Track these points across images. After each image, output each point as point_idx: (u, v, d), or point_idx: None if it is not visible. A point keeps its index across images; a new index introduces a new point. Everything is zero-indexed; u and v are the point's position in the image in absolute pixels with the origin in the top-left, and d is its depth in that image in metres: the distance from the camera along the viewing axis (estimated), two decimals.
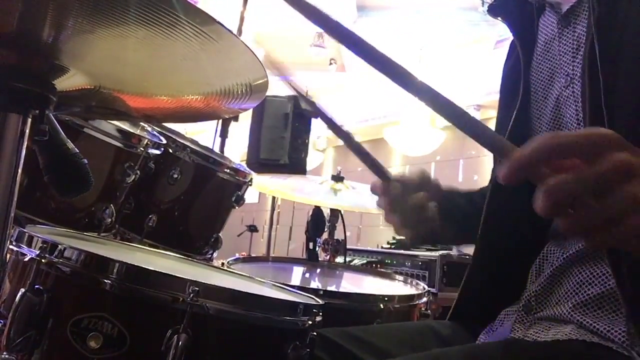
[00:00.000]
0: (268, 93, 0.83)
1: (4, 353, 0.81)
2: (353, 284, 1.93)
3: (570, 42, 0.96)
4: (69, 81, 0.76)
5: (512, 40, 1.08)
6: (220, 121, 3.05)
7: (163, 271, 0.88)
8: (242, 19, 3.38)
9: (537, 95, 1.01)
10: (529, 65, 1.03)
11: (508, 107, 1.04)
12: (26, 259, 0.88)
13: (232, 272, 1.31)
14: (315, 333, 0.94)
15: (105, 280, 0.83)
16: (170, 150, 1.66)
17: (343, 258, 2.41)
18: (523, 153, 0.55)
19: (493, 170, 1.10)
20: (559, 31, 0.98)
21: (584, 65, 0.87)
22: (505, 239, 1.00)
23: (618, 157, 0.54)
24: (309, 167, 3.68)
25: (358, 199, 2.12)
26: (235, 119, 2.95)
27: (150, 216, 1.67)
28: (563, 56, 0.97)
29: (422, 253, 3.02)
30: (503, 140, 0.60)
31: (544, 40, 1.01)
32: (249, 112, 3.46)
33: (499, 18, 1.08)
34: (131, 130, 1.51)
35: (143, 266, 0.88)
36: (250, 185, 1.91)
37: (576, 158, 0.55)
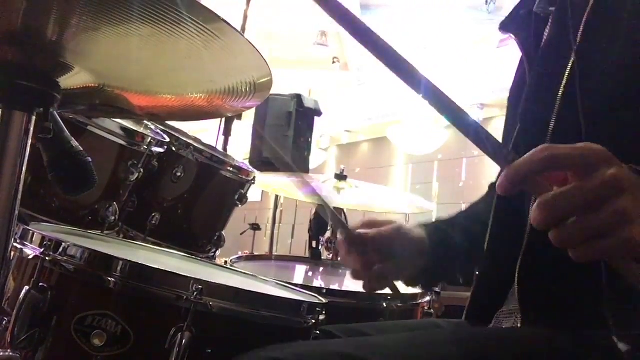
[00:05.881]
0: (271, 91, 0.83)
1: (9, 350, 0.81)
2: (356, 282, 1.93)
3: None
4: (73, 79, 0.76)
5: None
6: (224, 119, 3.05)
7: (166, 269, 0.88)
8: (245, 17, 3.38)
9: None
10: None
11: (513, 118, 1.03)
12: (30, 257, 0.88)
13: (235, 270, 1.32)
14: (318, 332, 0.94)
15: (109, 279, 0.83)
16: (174, 149, 1.66)
17: None
18: (518, 164, 0.58)
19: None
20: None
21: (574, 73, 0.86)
22: (511, 241, 0.98)
23: (608, 172, 0.57)
24: (312, 166, 3.68)
25: (361, 197, 2.12)
26: (239, 117, 2.95)
27: (153, 214, 1.67)
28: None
29: None
30: (504, 149, 0.62)
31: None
32: (252, 111, 3.46)
33: (510, 35, 1.05)
34: (135, 129, 1.51)
35: (147, 264, 0.88)
36: (253, 183, 1.91)
37: (568, 171, 0.59)
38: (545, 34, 0.98)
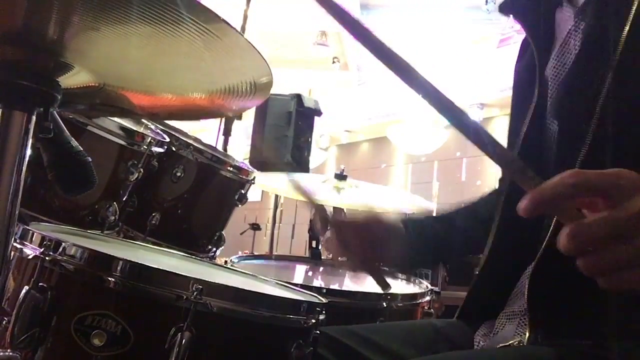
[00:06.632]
0: (271, 91, 0.83)
1: (9, 350, 0.81)
2: (356, 282, 1.93)
3: None
4: (74, 79, 0.76)
5: (524, 39, 1.03)
6: (223, 119, 3.05)
7: (166, 269, 0.88)
8: (245, 17, 3.39)
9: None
10: (546, 63, 0.97)
11: (521, 110, 0.99)
12: (30, 257, 0.88)
13: (235, 270, 1.32)
14: (318, 331, 0.94)
15: (109, 278, 0.83)
16: (174, 149, 1.66)
17: None
18: (545, 188, 0.56)
19: (501, 179, 1.08)
20: (575, 26, 0.92)
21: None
22: (517, 242, 0.97)
23: None
24: (311, 166, 3.68)
25: (361, 197, 2.12)
26: (239, 117, 2.95)
27: (153, 214, 1.67)
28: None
29: None
30: (529, 171, 0.60)
31: (563, 36, 0.95)
32: (252, 111, 3.45)
33: (510, 16, 1.01)
34: (134, 128, 1.51)
35: (146, 264, 0.88)
36: (253, 183, 1.91)
37: (600, 197, 0.57)
38: (579, 40, 0.92)
